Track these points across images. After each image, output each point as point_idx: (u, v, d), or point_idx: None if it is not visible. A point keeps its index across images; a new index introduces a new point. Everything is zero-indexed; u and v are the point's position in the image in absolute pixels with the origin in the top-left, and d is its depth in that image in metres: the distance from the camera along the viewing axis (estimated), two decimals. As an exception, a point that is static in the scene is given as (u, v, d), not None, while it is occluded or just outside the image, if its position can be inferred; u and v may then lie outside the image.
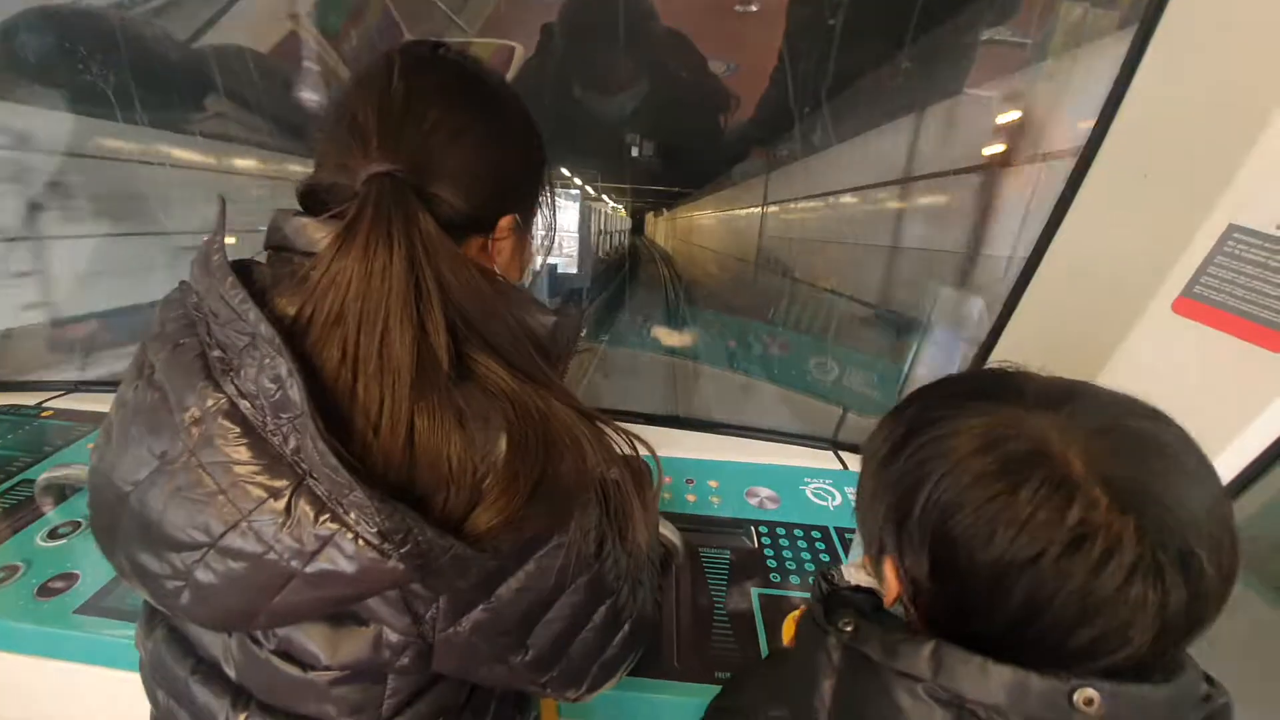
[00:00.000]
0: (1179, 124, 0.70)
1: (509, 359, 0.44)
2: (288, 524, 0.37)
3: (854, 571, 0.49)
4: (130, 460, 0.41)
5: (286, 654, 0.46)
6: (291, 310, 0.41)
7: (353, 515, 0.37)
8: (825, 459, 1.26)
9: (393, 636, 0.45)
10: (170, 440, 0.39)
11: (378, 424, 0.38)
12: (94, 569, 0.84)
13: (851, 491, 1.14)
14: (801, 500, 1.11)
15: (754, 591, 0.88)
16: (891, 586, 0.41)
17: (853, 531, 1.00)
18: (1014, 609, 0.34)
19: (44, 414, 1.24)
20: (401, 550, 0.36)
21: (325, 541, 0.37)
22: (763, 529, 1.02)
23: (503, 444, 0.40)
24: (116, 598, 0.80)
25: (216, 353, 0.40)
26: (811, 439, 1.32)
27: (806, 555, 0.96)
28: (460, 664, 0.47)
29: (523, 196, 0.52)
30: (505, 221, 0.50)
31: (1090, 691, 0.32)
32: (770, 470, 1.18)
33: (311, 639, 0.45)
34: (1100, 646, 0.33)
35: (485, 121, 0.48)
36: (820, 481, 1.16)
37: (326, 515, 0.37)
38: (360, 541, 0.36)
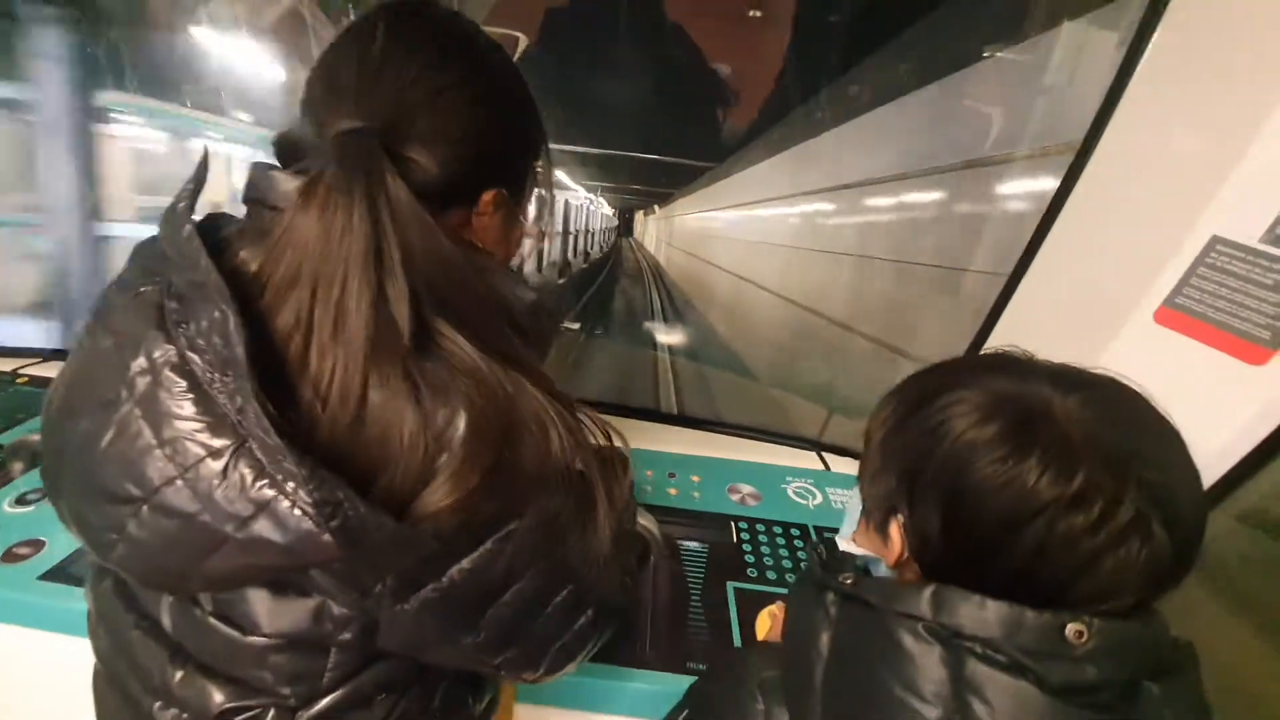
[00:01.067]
0: (1166, 136, 0.70)
1: (480, 335, 0.42)
2: (223, 485, 0.36)
3: (847, 544, 0.52)
4: (78, 405, 0.40)
5: (225, 616, 0.45)
6: (253, 266, 0.40)
7: (291, 483, 0.35)
8: (808, 459, 1.26)
9: (336, 610, 0.44)
10: (117, 388, 0.38)
11: (327, 394, 0.37)
12: (62, 536, 0.83)
13: (834, 491, 1.14)
14: (782, 498, 1.11)
15: (730, 586, 0.88)
16: (895, 547, 0.43)
17: (832, 531, 1.00)
18: (1018, 561, 0.37)
19: (19, 380, 1.22)
20: (330, 524, 0.35)
21: (260, 508, 0.36)
22: (742, 525, 1.02)
23: (461, 423, 0.38)
24: (82, 565, 0.79)
25: (173, 303, 0.39)
26: (795, 439, 1.32)
27: (785, 553, 0.96)
28: (407, 642, 0.46)
29: (510, 170, 0.50)
30: (489, 195, 0.48)
31: (1080, 625, 0.35)
32: (753, 467, 1.18)
33: (251, 604, 0.44)
34: (1094, 597, 0.36)
35: (468, 84, 0.45)
36: (802, 481, 1.17)
37: (265, 480, 0.35)
38: (297, 510, 0.35)
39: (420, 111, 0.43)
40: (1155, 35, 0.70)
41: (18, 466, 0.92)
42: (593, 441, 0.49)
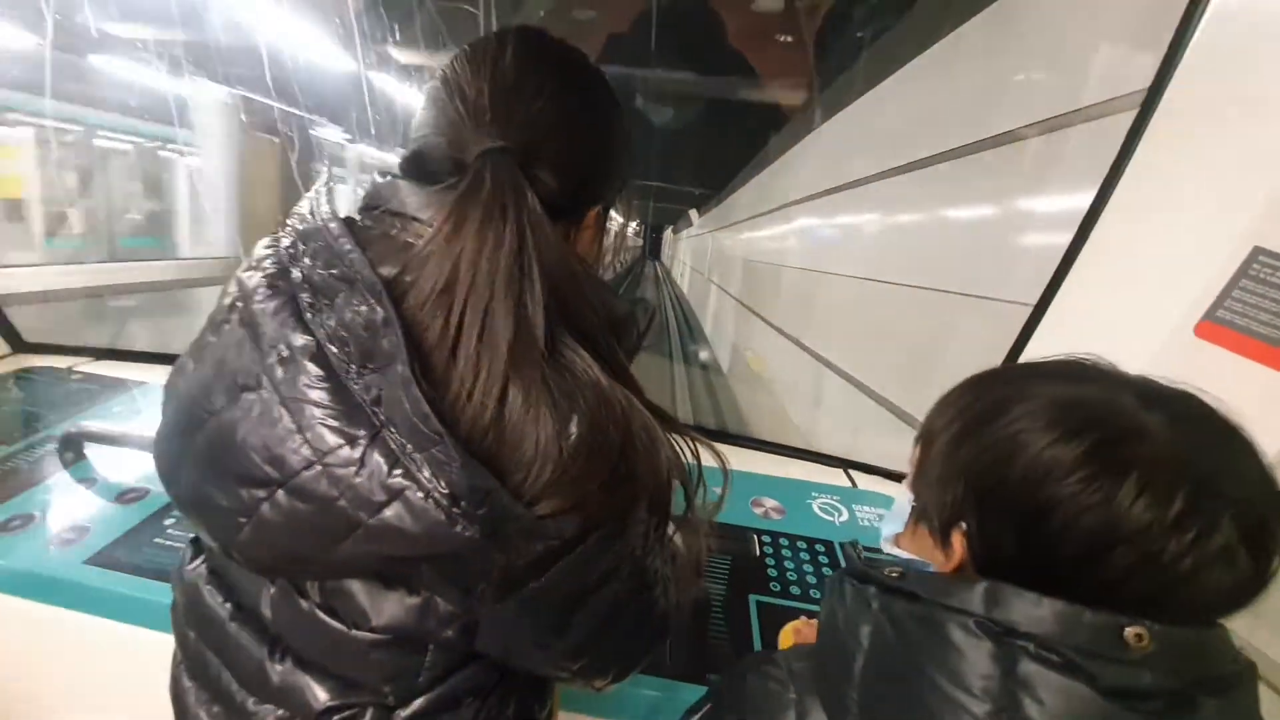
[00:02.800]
0: (1203, 143, 0.69)
1: (595, 346, 0.43)
2: (360, 472, 0.37)
3: (891, 546, 0.52)
4: (214, 389, 0.41)
5: (332, 609, 0.44)
6: (386, 271, 0.41)
7: (426, 472, 0.36)
8: (834, 476, 1.25)
9: (442, 606, 0.44)
10: (256, 375, 0.39)
11: (471, 392, 0.38)
12: (106, 523, 0.86)
13: (860, 509, 1.12)
14: (807, 514, 1.09)
15: (752, 599, 0.87)
16: (956, 556, 0.42)
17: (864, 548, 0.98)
18: (1100, 582, 0.35)
19: (74, 377, 1.29)
20: (479, 511, 0.36)
21: (395, 495, 0.37)
22: (765, 538, 1.00)
23: (583, 430, 0.39)
24: (126, 551, 0.82)
25: (307, 296, 0.41)
26: (822, 456, 1.30)
27: (809, 568, 0.95)
28: (502, 643, 0.46)
29: (609, 189, 0.52)
30: (593, 213, 0.50)
31: (1139, 629, 0.33)
32: (778, 482, 1.17)
33: (359, 598, 0.44)
34: (1176, 616, 0.34)
35: (588, 111, 0.48)
36: (828, 497, 1.15)
37: (400, 470, 0.36)
38: (430, 499, 0.36)
39: (550, 133, 0.45)
40: (1194, 36, 0.70)
41: (69, 456, 0.97)
42: (682, 457, 0.49)
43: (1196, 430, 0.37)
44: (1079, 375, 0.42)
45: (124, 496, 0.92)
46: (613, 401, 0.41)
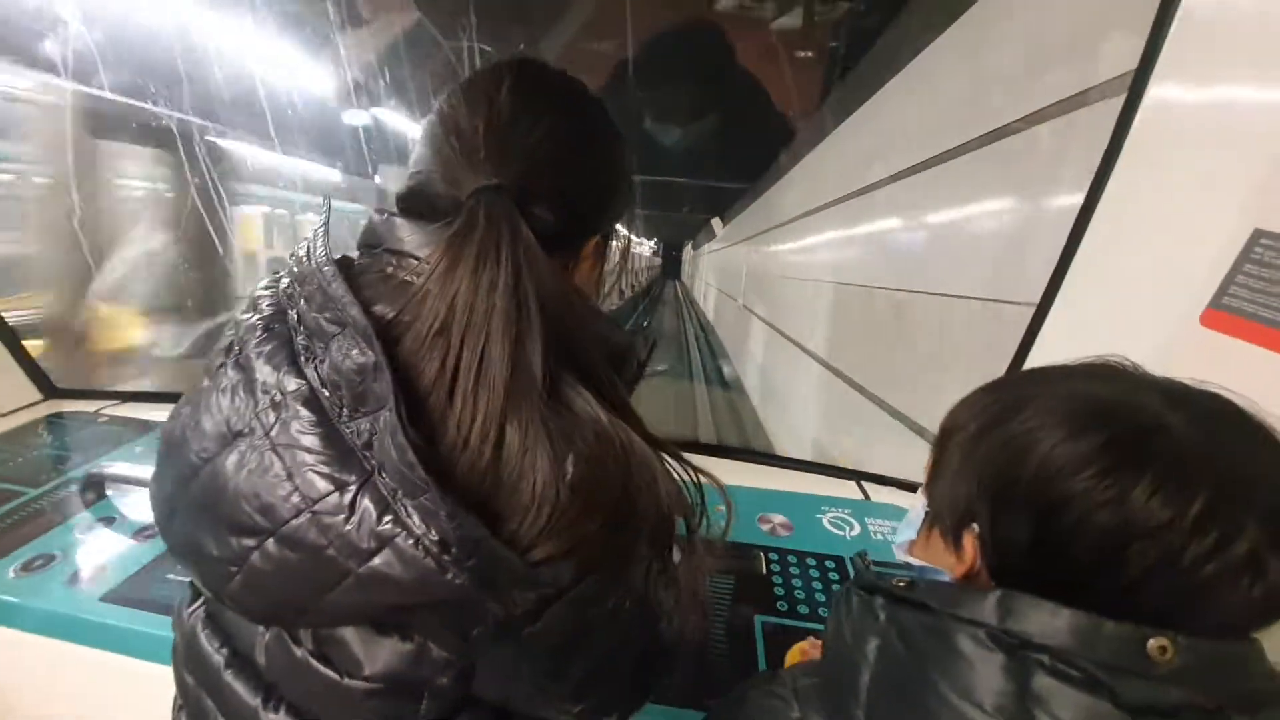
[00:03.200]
0: (1196, 125, 0.67)
1: (596, 382, 0.43)
2: (350, 520, 0.36)
3: (903, 554, 0.50)
4: (207, 435, 0.41)
5: (325, 657, 0.43)
6: (381, 311, 0.41)
7: (416, 518, 0.36)
8: (847, 488, 1.21)
9: (436, 652, 0.42)
10: (249, 420, 0.39)
11: (467, 438, 0.37)
12: (122, 560, 0.89)
13: (874, 522, 1.09)
14: (817, 529, 1.06)
15: (758, 619, 0.84)
16: (968, 559, 0.40)
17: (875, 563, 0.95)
18: (1116, 586, 0.33)
19: (100, 420, 1.34)
20: (468, 563, 0.35)
21: (385, 542, 0.36)
22: (773, 556, 0.98)
23: (583, 471, 0.38)
24: (141, 587, 0.84)
25: (302, 339, 0.41)
26: (834, 469, 1.27)
27: (818, 585, 0.92)
28: (500, 688, 0.45)
29: (608, 220, 0.52)
30: (590, 244, 0.50)
31: (1164, 640, 0.31)
32: (786, 497, 1.14)
33: (352, 646, 0.43)
34: (1200, 627, 0.32)
35: (584, 144, 0.48)
36: (839, 510, 1.12)
37: (390, 517, 0.36)
38: (420, 547, 0.35)
39: (546, 168, 0.45)
40: (1178, 14, 0.67)
41: (90, 496, 1.01)
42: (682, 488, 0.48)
43: (1223, 430, 0.35)
44: (1101, 375, 0.41)
45: (141, 533, 0.95)
46: (612, 439, 0.40)
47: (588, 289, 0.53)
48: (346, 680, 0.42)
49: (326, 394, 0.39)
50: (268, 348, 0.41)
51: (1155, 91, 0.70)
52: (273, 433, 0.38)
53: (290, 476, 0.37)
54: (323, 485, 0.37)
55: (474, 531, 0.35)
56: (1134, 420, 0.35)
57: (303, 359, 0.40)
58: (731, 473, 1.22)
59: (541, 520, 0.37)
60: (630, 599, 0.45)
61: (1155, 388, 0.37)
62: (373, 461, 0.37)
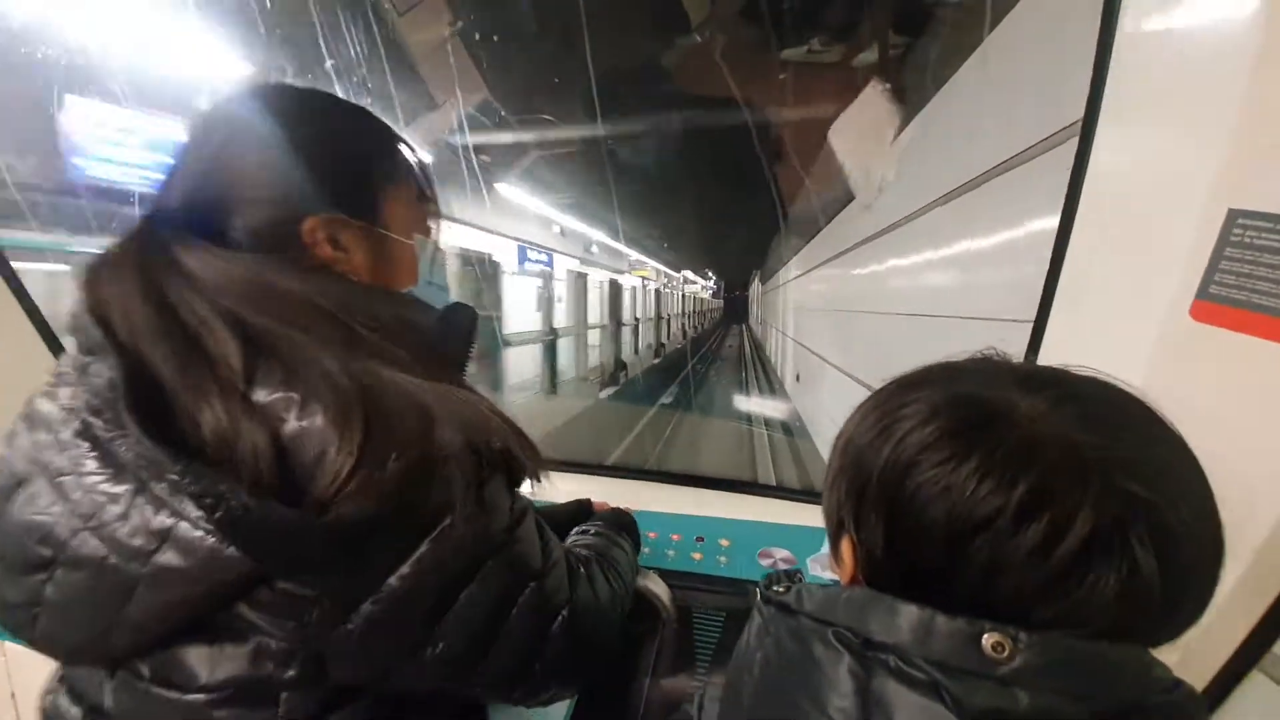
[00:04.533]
0: (1156, 111, 0.62)
1: (331, 345, 0.44)
2: (125, 524, 0.38)
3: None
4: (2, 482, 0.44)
5: (165, 679, 0.43)
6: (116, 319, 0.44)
7: (190, 506, 0.37)
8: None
9: (274, 645, 0.42)
10: (31, 463, 0.42)
11: (195, 427, 0.39)
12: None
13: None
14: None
15: (746, 658, 0.79)
16: (847, 566, 0.39)
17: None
18: (968, 583, 0.31)
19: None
20: (214, 516, 0.36)
21: (163, 538, 0.38)
22: (770, 592, 0.92)
23: (318, 419, 0.40)
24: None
25: (71, 373, 0.45)
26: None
27: (818, 624, 0.85)
28: (360, 669, 0.44)
29: (340, 197, 0.52)
30: (311, 224, 0.50)
31: (999, 636, 0.29)
32: (791, 530, 1.08)
33: (188, 660, 0.43)
34: (1060, 623, 0.30)
35: (263, 141, 0.50)
36: (849, 545, 1.04)
37: (166, 511, 0.37)
38: (198, 531, 0.37)
39: (213, 186, 0.50)
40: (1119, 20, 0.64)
41: None
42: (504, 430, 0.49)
43: (1082, 413, 0.32)
44: (974, 367, 0.39)
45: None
46: (344, 385, 0.41)
47: (380, 273, 0.54)
48: (188, 696, 0.42)
49: (95, 419, 0.41)
50: (56, 391, 0.45)
51: (1109, 103, 0.67)
52: (51, 468, 0.41)
53: (68, 501, 0.39)
54: (98, 499, 0.39)
55: (214, 486, 0.36)
56: (977, 407, 0.33)
57: (68, 391, 0.43)
58: (736, 507, 1.18)
59: (324, 479, 0.38)
60: (492, 553, 0.45)
61: (1014, 374, 0.36)
62: (145, 472, 0.39)
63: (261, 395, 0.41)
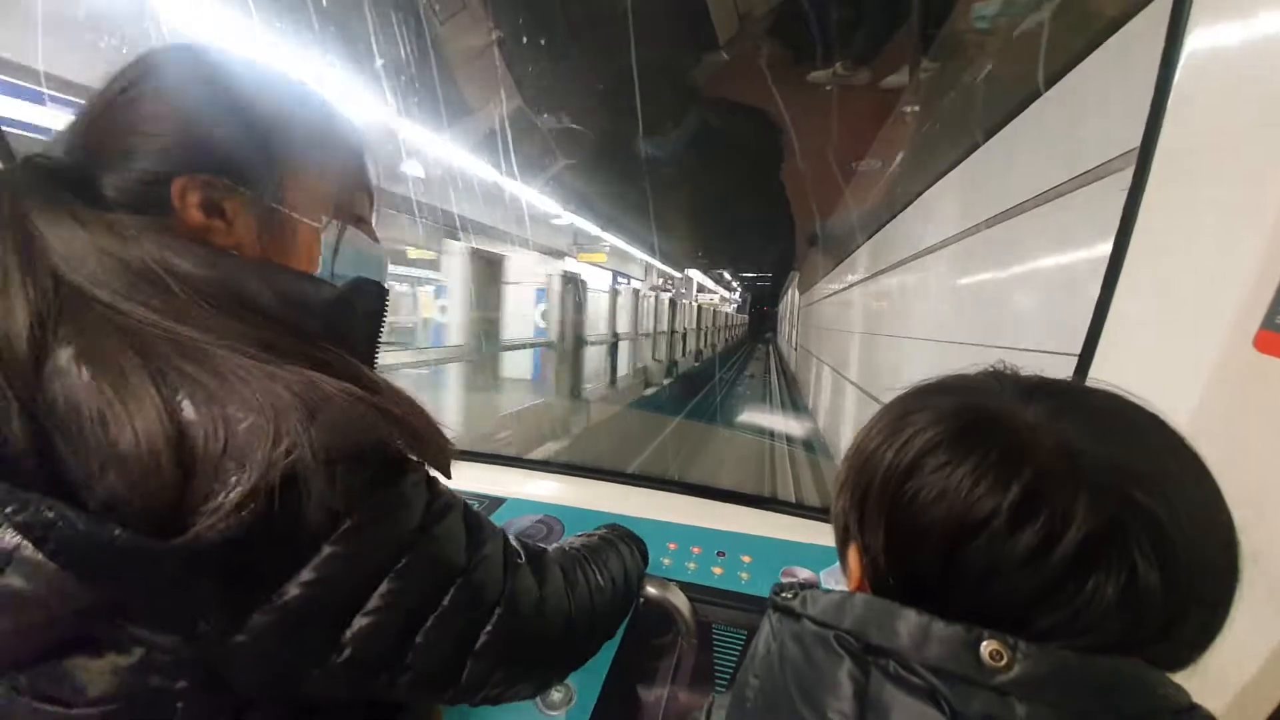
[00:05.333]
0: (1221, 130, 0.60)
1: (186, 319, 0.40)
2: None
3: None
4: None
5: (46, 694, 0.39)
6: None
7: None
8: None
9: (162, 657, 0.39)
10: None
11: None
12: None
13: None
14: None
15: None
16: (854, 574, 0.39)
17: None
18: (966, 587, 0.31)
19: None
20: (45, 548, 0.32)
21: (6, 559, 0.34)
22: (792, 612, 0.90)
23: (202, 413, 0.36)
24: None
25: None
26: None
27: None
28: (261, 679, 0.41)
29: (230, 162, 0.47)
30: (180, 183, 0.45)
31: (996, 644, 0.29)
32: (816, 550, 1.06)
33: (72, 673, 0.38)
34: (1059, 632, 0.29)
35: (163, 93, 0.46)
36: (875, 569, 1.01)
37: (9, 530, 0.33)
38: (39, 554, 0.33)
39: (105, 135, 0.45)
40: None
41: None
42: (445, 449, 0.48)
43: (1089, 421, 0.32)
44: (986, 377, 0.39)
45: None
46: (217, 391, 0.37)
47: (273, 249, 0.49)
48: (75, 711, 0.38)
49: None
50: None
51: (1169, 129, 0.65)
52: None
53: None
54: None
55: (39, 514, 0.32)
56: (978, 414, 0.34)
57: None
58: (758, 523, 1.16)
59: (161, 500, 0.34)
60: (406, 549, 0.42)
61: (1020, 384, 0.36)
62: None
63: (56, 389, 0.36)
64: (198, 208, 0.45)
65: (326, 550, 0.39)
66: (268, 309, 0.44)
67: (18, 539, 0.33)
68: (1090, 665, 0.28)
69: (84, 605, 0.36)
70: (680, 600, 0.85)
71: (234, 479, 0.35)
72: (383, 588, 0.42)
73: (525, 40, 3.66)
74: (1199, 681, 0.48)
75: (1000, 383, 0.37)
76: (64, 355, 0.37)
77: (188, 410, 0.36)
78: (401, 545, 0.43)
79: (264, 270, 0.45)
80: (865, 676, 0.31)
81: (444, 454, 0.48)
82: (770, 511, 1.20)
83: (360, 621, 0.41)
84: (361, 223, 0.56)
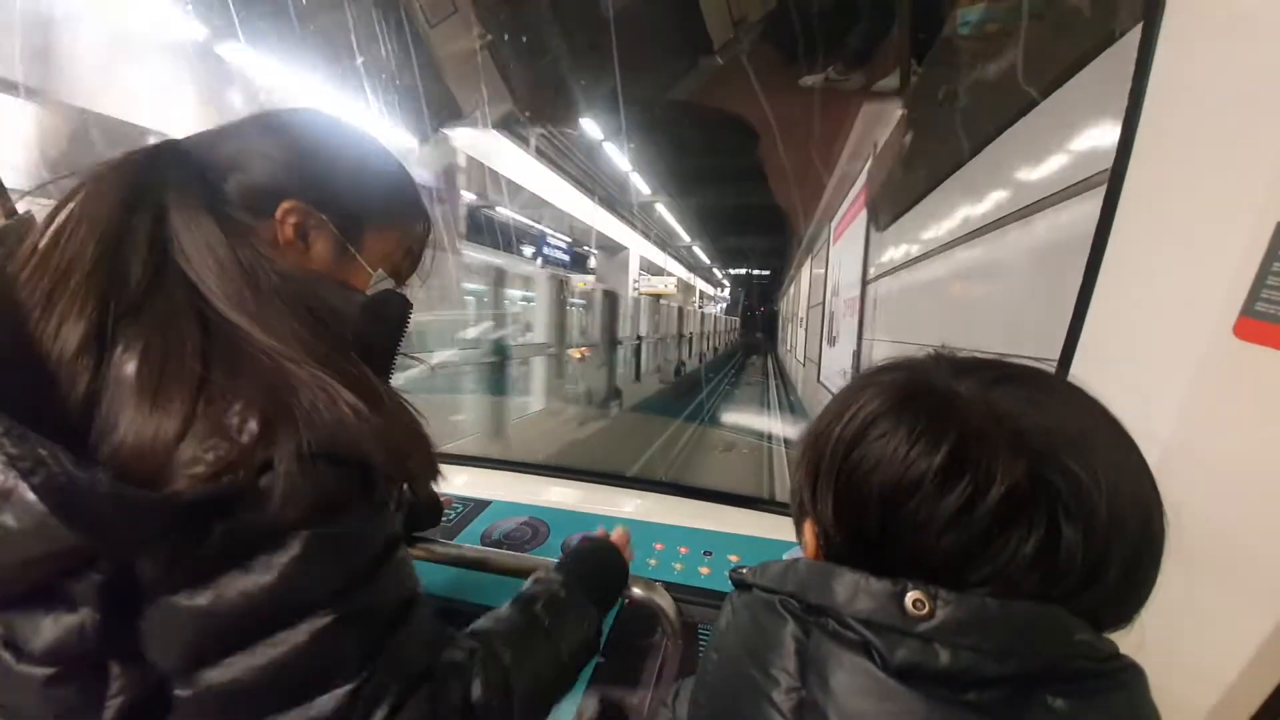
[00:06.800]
0: (1198, 124, 0.60)
1: (299, 335, 0.46)
2: None
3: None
4: None
5: (8, 641, 0.41)
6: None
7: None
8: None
9: (100, 626, 0.39)
10: None
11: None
12: None
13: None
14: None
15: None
16: (809, 547, 0.41)
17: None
18: (907, 541, 0.33)
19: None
20: (30, 479, 0.33)
21: (5, 496, 0.35)
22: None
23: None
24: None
25: None
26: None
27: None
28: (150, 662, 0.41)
29: (332, 201, 0.54)
30: (290, 204, 0.51)
31: (919, 594, 0.31)
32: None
33: (27, 621, 0.40)
34: (991, 585, 0.31)
35: (301, 129, 0.55)
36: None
37: (12, 471, 0.34)
38: (32, 495, 0.34)
39: (245, 138, 0.53)
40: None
41: None
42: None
43: (1019, 393, 0.34)
44: (930, 357, 0.40)
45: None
46: (258, 358, 0.42)
47: (338, 271, 0.55)
48: (21, 666, 0.40)
49: None
50: None
51: (1149, 110, 0.65)
52: None
53: None
54: None
55: (33, 450, 0.33)
56: (917, 388, 0.36)
57: None
58: (747, 522, 1.15)
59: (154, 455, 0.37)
60: (347, 602, 0.42)
61: (958, 362, 0.38)
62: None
63: (116, 353, 0.40)
64: (293, 228, 0.52)
65: (274, 557, 0.39)
66: (322, 318, 0.49)
67: (16, 480, 0.34)
68: (1008, 609, 0.30)
69: (60, 549, 0.37)
70: (665, 601, 0.84)
71: (223, 449, 0.38)
72: (290, 624, 0.40)
73: (515, 44, 3.68)
74: (1188, 674, 0.47)
75: (939, 361, 0.39)
76: (135, 334, 0.41)
77: (210, 405, 0.40)
78: (339, 588, 0.42)
79: (323, 283, 0.52)
80: (806, 635, 0.33)
81: (429, 474, 0.52)
82: (758, 511, 1.19)
83: (242, 653, 0.40)
84: (400, 281, 0.64)
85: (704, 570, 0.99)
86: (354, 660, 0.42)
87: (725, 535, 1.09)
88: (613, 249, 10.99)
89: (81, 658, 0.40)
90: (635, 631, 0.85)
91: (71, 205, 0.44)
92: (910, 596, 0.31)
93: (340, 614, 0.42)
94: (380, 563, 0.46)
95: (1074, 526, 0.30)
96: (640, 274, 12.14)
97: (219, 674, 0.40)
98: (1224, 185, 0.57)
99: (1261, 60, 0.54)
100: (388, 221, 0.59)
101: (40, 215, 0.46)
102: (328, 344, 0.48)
